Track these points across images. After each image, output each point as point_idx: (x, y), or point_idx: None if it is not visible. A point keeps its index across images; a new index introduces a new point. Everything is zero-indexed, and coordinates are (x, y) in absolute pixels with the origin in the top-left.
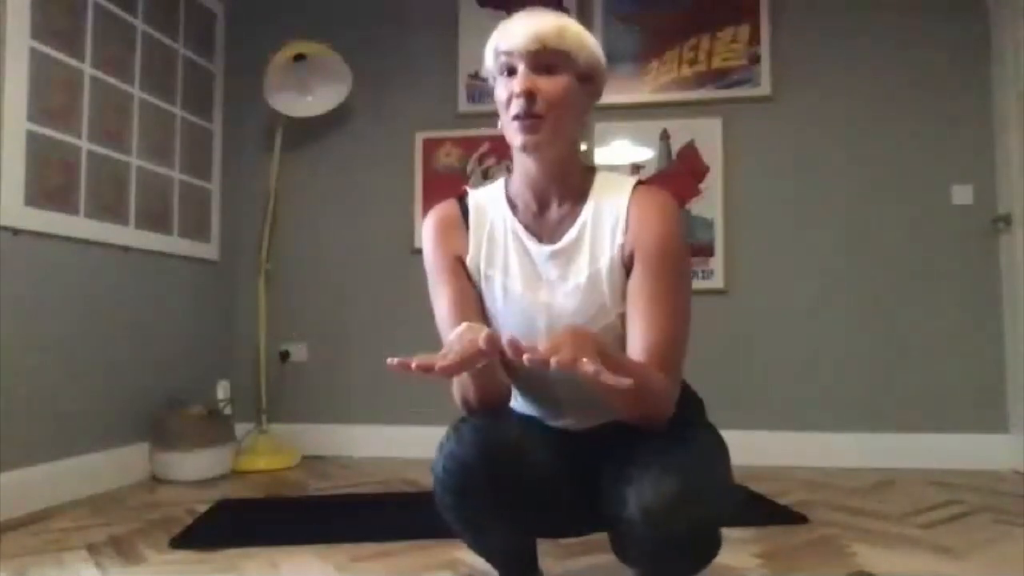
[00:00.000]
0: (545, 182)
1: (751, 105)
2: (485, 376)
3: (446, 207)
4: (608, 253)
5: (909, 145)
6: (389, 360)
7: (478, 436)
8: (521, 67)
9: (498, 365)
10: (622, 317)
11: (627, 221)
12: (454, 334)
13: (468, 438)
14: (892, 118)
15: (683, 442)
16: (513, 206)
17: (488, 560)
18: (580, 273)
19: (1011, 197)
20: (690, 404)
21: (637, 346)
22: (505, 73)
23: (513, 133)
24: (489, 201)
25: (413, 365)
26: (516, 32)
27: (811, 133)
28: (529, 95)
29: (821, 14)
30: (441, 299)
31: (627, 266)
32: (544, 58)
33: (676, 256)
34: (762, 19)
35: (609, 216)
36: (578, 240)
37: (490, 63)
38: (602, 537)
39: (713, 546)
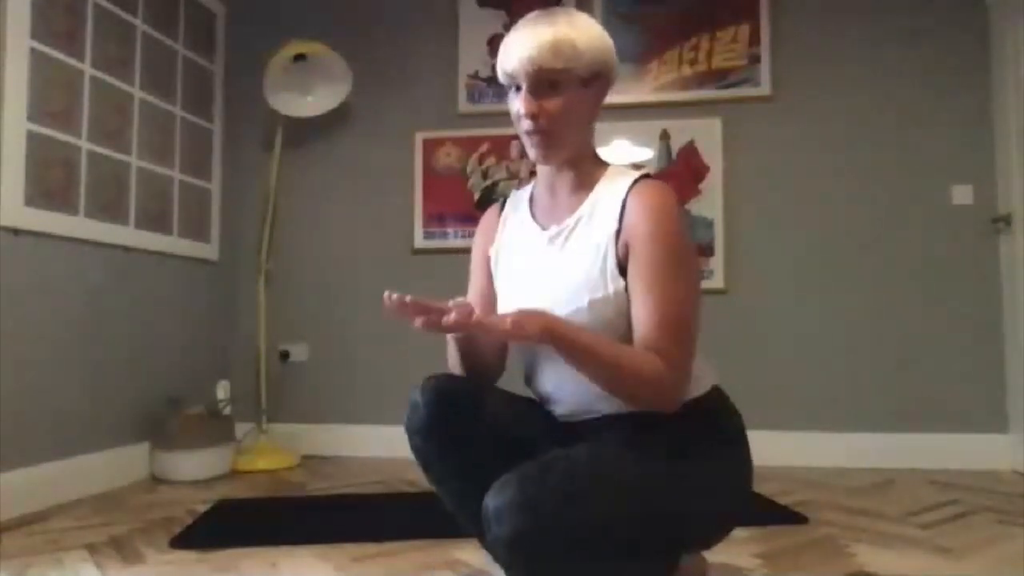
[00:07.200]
0: (556, 175)
1: (751, 105)
2: (470, 353)
3: (490, 211)
4: (601, 236)
5: (909, 145)
6: (386, 295)
7: (435, 382)
8: (523, 88)
9: (485, 345)
10: (617, 297)
11: (622, 210)
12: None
13: (427, 384)
14: (892, 118)
15: (576, 455)
16: (531, 200)
17: (460, 520)
18: (572, 254)
19: (1011, 197)
20: (710, 417)
21: (637, 333)
22: (513, 89)
23: (526, 146)
24: (516, 201)
25: (408, 299)
26: (513, 55)
27: (811, 133)
28: (532, 116)
29: (821, 14)
30: (468, 294)
31: (622, 257)
32: (543, 76)
33: (668, 244)
34: (762, 19)
35: (607, 204)
36: (575, 225)
37: (500, 77)
38: None
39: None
